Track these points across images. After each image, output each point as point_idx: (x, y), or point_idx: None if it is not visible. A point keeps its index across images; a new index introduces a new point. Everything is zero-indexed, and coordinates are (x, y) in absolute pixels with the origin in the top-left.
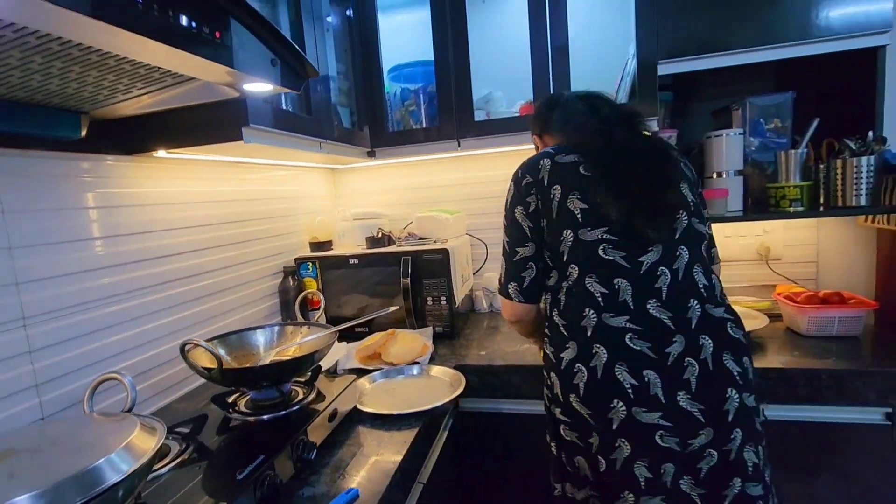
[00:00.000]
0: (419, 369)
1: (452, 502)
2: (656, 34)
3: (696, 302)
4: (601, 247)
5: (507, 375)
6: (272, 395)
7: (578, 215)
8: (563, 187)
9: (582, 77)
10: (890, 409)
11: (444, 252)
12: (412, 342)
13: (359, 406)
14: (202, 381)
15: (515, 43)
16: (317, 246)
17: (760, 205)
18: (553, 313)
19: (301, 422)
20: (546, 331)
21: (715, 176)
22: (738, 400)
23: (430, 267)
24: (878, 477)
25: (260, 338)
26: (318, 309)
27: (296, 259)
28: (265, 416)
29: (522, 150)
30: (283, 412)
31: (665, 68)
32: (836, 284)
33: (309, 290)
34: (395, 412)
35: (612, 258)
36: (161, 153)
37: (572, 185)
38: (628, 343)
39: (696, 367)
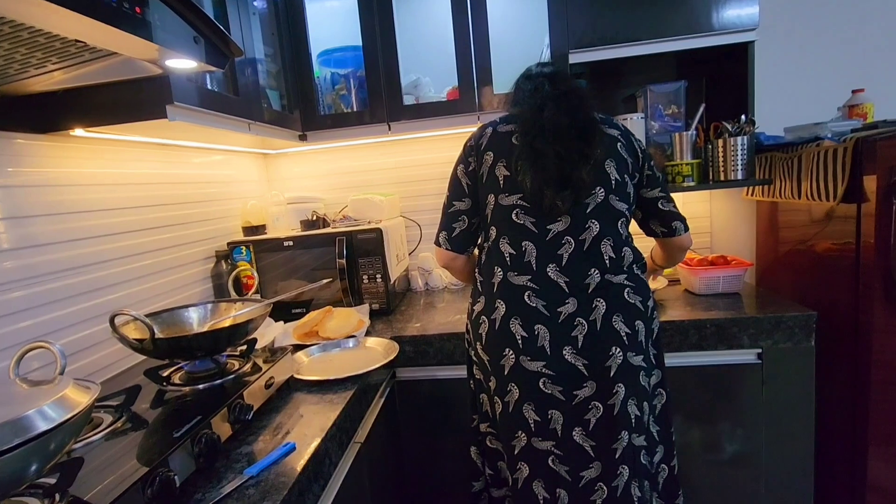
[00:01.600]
0: (354, 342)
1: (390, 462)
2: (567, 26)
3: (595, 271)
4: (514, 212)
5: (440, 343)
6: (207, 365)
7: (501, 181)
8: (496, 154)
9: (503, 64)
10: (760, 350)
11: (378, 231)
12: (348, 318)
13: (296, 375)
14: (134, 362)
15: (442, 30)
16: (250, 230)
17: None
18: (476, 270)
19: (237, 389)
20: (472, 286)
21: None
22: (621, 357)
23: (365, 246)
24: (751, 407)
25: (193, 314)
26: (256, 292)
27: (228, 243)
28: (201, 386)
29: (453, 133)
30: (219, 381)
31: (575, 57)
32: (726, 251)
33: (241, 269)
34: (330, 377)
35: (522, 223)
36: (79, 132)
37: (502, 154)
38: (526, 300)
39: (585, 326)
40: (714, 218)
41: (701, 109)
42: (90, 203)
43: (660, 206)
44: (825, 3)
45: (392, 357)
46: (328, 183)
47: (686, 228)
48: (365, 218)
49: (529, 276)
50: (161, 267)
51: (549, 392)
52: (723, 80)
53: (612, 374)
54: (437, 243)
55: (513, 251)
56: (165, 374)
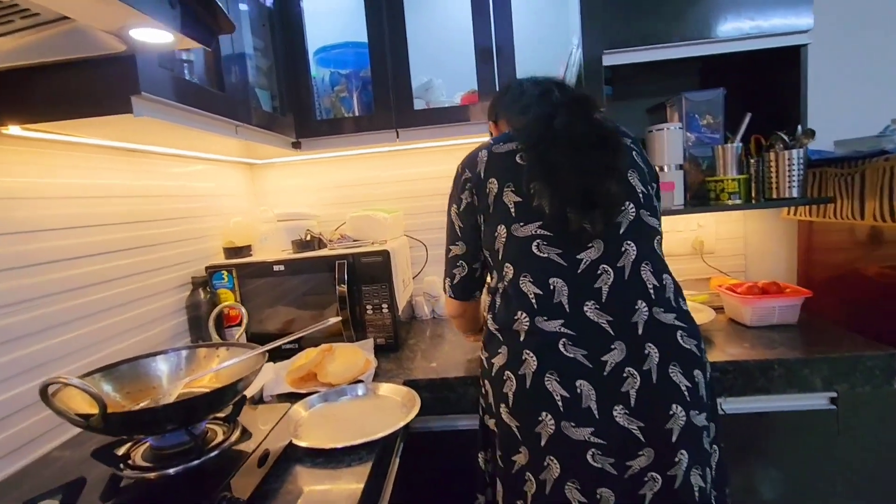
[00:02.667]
0: (364, 389)
1: None
2: (601, 24)
3: (642, 304)
4: (535, 243)
5: (463, 388)
6: (180, 438)
7: (512, 209)
8: (499, 180)
9: (524, 64)
10: (835, 394)
11: (385, 254)
12: (352, 357)
13: (294, 441)
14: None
15: (454, 26)
16: (233, 252)
17: (697, 199)
18: (489, 317)
19: (222, 472)
20: (482, 336)
21: (657, 170)
22: (684, 418)
23: (370, 271)
24: (825, 458)
25: (162, 366)
26: (239, 325)
27: (207, 267)
28: (171, 470)
29: (465, 143)
30: (196, 461)
31: (609, 59)
32: (762, 275)
33: (225, 304)
34: (340, 445)
35: (546, 255)
36: (14, 130)
37: (507, 177)
38: (562, 350)
39: (638, 378)
40: (748, 239)
41: (747, 119)
42: (29, 222)
43: None
44: (868, 8)
45: (415, 412)
46: (320, 198)
47: None
48: (366, 238)
49: (562, 321)
50: (125, 299)
51: (599, 466)
52: (760, 87)
53: (673, 438)
54: (444, 290)
55: (538, 290)
56: (121, 451)
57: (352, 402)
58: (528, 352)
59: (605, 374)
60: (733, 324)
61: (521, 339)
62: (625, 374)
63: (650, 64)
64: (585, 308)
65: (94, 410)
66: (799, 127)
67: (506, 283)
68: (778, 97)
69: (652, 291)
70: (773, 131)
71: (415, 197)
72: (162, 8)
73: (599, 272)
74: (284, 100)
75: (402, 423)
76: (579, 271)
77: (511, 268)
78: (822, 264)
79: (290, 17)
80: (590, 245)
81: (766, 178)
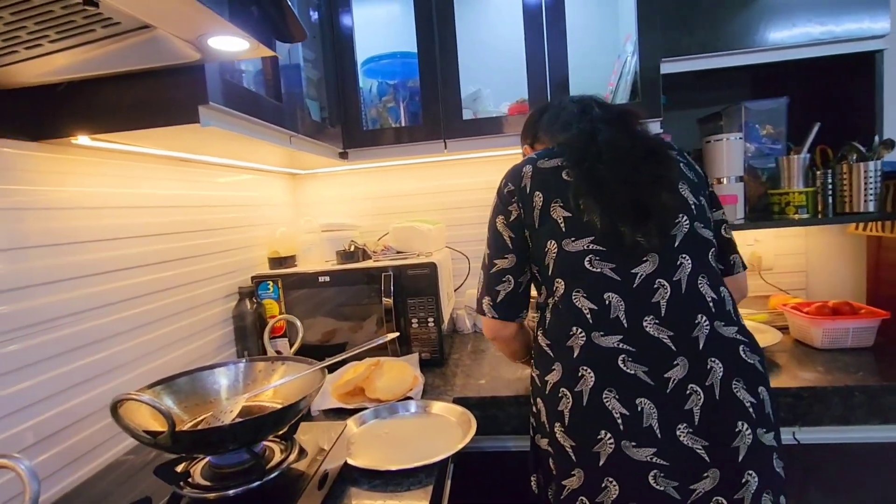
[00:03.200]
0: (416, 407)
1: None
2: (659, 31)
3: (703, 318)
4: (587, 258)
5: (514, 408)
6: (240, 457)
7: (562, 224)
8: (546, 194)
9: (575, 75)
10: None
11: (432, 266)
12: (401, 373)
13: (350, 461)
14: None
15: (504, 36)
16: (277, 262)
17: (758, 212)
18: (539, 332)
19: (283, 494)
20: (533, 353)
21: (715, 182)
22: (750, 436)
23: (416, 283)
24: None
25: (221, 380)
26: (284, 336)
27: (253, 277)
28: (231, 492)
29: (511, 154)
30: (258, 482)
31: (668, 67)
32: (825, 293)
33: (282, 316)
34: (397, 467)
35: (599, 270)
36: (82, 140)
37: (554, 192)
38: (621, 366)
39: (701, 395)
40: (810, 255)
41: (815, 129)
42: (91, 231)
43: (723, 231)
44: None
45: (472, 435)
46: (361, 208)
47: (744, 266)
48: (409, 249)
49: (620, 336)
50: (175, 309)
51: (662, 489)
52: (823, 95)
53: (740, 458)
54: (480, 311)
55: (593, 306)
56: (182, 468)
57: (405, 421)
58: (584, 368)
59: (667, 391)
60: (800, 346)
61: (576, 354)
62: (688, 391)
63: (702, 73)
64: (645, 323)
65: (161, 427)
66: (876, 137)
67: (556, 299)
68: (846, 106)
69: (711, 304)
70: (845, 141)
71: (457, 208)
72: (246, 15)
73: (656, 286)
74: (333, 111)
75: (459, 446)
76: (635, 286)
77: (562, 283)
78: (892, 283)
79: (340, 29)
80: (644, 259)
81: (839, 191)
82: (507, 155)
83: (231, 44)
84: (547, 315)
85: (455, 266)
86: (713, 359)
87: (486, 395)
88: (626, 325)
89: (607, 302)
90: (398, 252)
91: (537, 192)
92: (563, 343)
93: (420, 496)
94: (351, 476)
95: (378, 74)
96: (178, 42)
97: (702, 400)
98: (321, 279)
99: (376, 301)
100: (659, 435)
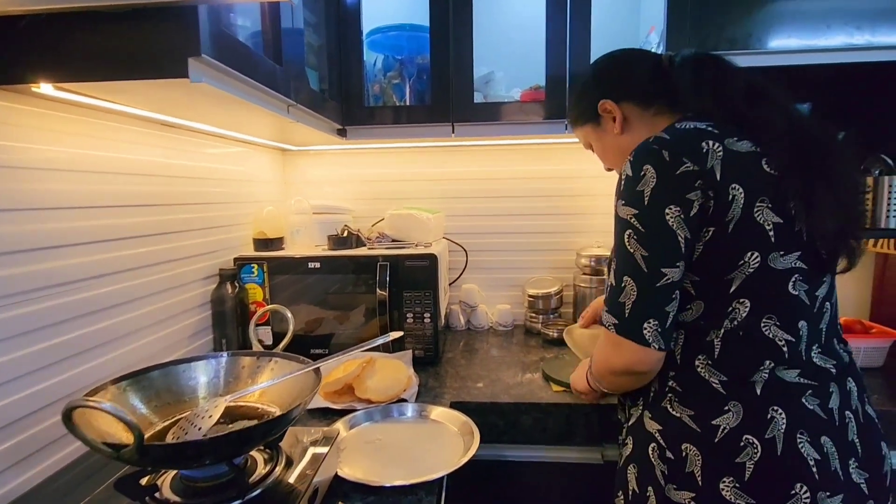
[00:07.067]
0: (413, 411)
1: None
2: (689, 25)
3: (841, 345)
4: (793, 279)
5: (514, 415)
6: (218, 470)
7: (771, 232)
8: (746, 189)
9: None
10: None
11: (432, 258)
12: (394, 372)
13: (340, 473)
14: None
15: (521, 16)
16: (263, 244)
17: None
18: (697, 364)
19: None
20: (675, 386)
21: None
22: (891, 458)
23: (414, 276)
24: None
25: (199, 376)
26: (266, 325)
27: (236, 259)
28: None
29: (521, 143)
30: (238, 501)
31: None
32: None
33: (270, 307)
34: (394, 483)
35: (797, 293)
36: (45, 89)
37: (758, 188)
38: (805, 403)
39: (853, 421)
40: None
41: (840, 138)
42: (57, 197)
43: None
44: None
45: (475, 449)
46: (354, 191)
47: None
48: (406, 238)
49: (799, 370)
50: (148, 290)
51: None
52: (844, 103)
53: (888, 482)
54: (638, 337)
55: (790, 337)
56: (147, 481)
57: (400, 426)
58: (775, 408)
59: (836, 423)
60: None
61: (759, 392)
62: (846, 420)
63: None
64: (813, 354)
65: (125, 439)
66: None
67: (733, 324)
68: (871, 115)
69: (839, 327)
70: (870, 153)
71: (456, 198)
72: None
73: (825, 310)
74: (333, 83)
75: (463, 461)
76: (815, 311)
77: (748, 304)
78: None
79: None
80: (824, 280)
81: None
82: (516, 144)
83: None
84: (713, 341)
85: (451, 258)
86: (850, 378)
87: (486, 400)
88: (804, 356)
89: (800, 332)
90: (394, 240)
91: (735, 185)
92: (746, 379)
93: None
94: (341, 490)
95: (384, 48)
96: None
97: (855, 426)
98: (311, 265)
99: (367, 292)
100: (841, 477)
